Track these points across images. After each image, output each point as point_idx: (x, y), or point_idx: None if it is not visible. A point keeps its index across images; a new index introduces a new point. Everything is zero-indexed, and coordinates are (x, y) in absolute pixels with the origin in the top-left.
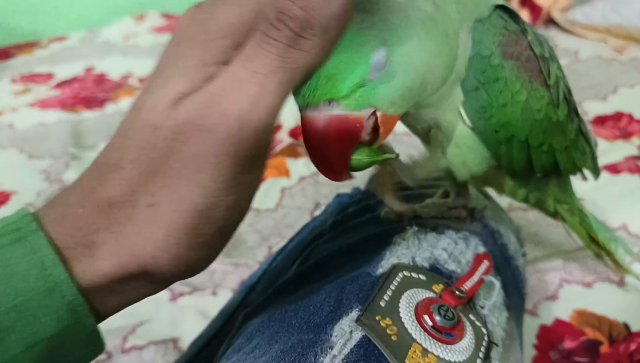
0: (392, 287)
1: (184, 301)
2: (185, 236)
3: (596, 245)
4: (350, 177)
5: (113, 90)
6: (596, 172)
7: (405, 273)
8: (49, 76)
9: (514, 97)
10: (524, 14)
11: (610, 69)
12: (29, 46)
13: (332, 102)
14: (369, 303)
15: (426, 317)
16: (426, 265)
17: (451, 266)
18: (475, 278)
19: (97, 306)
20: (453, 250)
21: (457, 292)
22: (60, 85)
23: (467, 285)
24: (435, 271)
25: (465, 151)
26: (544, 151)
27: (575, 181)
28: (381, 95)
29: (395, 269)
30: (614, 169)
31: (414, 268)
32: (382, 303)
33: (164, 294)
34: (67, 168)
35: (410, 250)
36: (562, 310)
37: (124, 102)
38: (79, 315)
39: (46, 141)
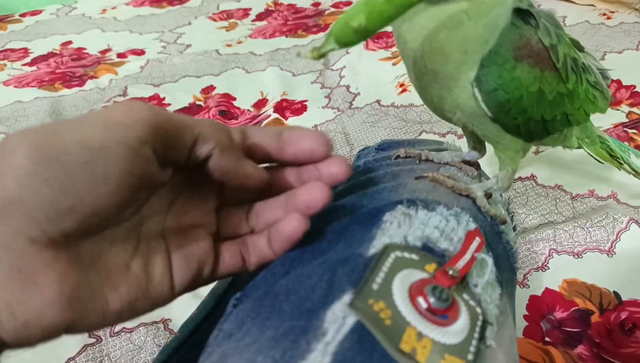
0: (385, 269)
1: None
2: None
3: (616, 160)
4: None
5: (92, 66)
6: (607, 106)
7: (398, 253)
8: (24, 52)
9: (528, 89)
10: None
11: (599, 34)
12: (0, 20)
13: None
14: (362, 287)
15: (420, 299)
16: (418, 244)
17: (443, 244)
18: (467, 256)
19: None
20: (445, 227)
21: (450, 272)
22: (36, 61)
23: (460, 263)
24: (427, 251)
25: (487, 130)
26: (558, 120)
27: (563, 153)
28: None
29: (387, 249)
30: None
31: (406, 247)
32: (375, 286)
33: None
34: None
35: (402, 229)
36: (552, 280)
37: (104, 79)
38: None
39: (23, 120)
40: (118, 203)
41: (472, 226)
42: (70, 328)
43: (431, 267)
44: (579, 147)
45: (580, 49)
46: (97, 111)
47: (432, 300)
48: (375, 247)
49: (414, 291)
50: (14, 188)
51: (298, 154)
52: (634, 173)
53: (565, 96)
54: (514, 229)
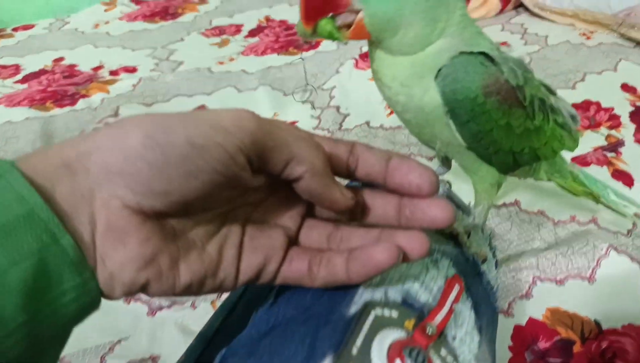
0: (365, 330)
1: (163, 315)
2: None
3: (592, 195)
4: (310, 35)
5: (84, 83)
6: (575, 146)
7: (378, 311)
8: (15, 68)
9: (498, 123)
10: (495, 1)
11: (579, 54)
12: None
13: None
14: (342, 351)
15: (398, 362)
16: (399, 298)
17: (422, 297)
18: (446, 308)
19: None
20: (425, 277)
21: (428, 329)
22: (28, 78)
23: (438, 318)
24: (407, 305)
25: (465, 160)
26: (525, 152)
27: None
28: (372, 5)
29: (367, 307)
30: (583, 161)
31: (387, 303)
32: (355, 350)
33: (142, 308)
34: None
35: (383, 281)
36: (535, 308)
37: (96, 98)
38: (55, 234)
39: (14, 141)
40: (204, 196)
41: (452, 272)
42: (145, 288)
43: (410, 323)
44: (549, 180)
45: (552, 92)
46: (207, 111)
47: (408, 362)
48: (356, 304)
49: (393, 352)
50: (121, 162)
51: (404, 185)
52: (611, 209)
53: (532, 132)
54: (496, 265)
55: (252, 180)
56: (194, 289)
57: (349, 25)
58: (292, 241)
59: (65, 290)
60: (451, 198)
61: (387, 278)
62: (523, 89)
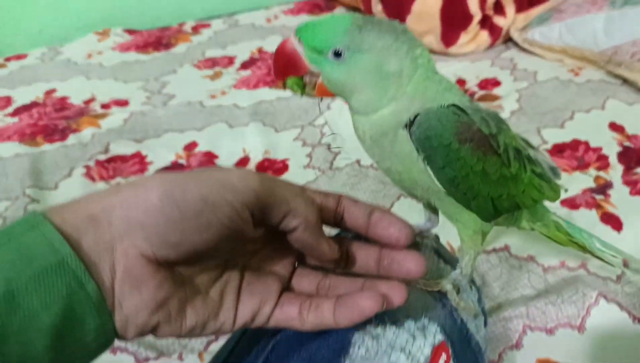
0: None
1: None
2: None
3: (577, 245)
4: (284, 88)
5: (74, 118)
6: (556, 197)
7: None
8: (6, 100)
9: (473, 168)
10: (484, 36)
11: (568, 91)
12: None
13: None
14: None
15: None
16: None
17: None
18: None
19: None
20: (411, 347)
21: None
22: (19, 111)
23: None
24: None
25: (445, 206)
26: (504, 199)
27: None
28: (326, 71)
29: None
30: (572, 204)
31: None
32: None
33: (129, 359)
34: (24, 213)
35: (369, 354)
36: (526, 359)
37: (87, 132)
38: (82, 281)
39: (3, 179)
40: (212, 247)
41: (439, 338)
42: (155, 329)
43: None
44: (533, 229)
45: (531, 146)
46: (218, 169)
47: None
48: None
49: None
50: (141, 215)
51: (383, 237)
52: (598, 259)
53: (509, 179)
54: (485, 322)
55: (253, 231)
56: (198, 331)
57: (314, 84)
58: (285, 287)
59: (87, 331)
60: (439, 251)
61: (372, 349)
62: (496, 137)
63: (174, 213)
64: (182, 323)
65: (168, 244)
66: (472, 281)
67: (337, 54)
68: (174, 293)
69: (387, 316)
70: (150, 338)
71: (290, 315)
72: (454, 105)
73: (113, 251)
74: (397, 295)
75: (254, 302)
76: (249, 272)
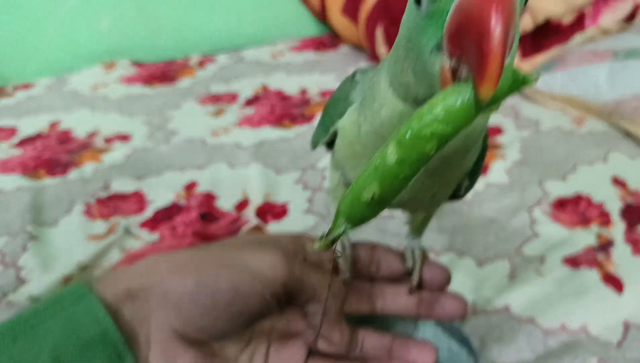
0: None
1: None
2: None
3: None
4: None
5: (77, 151)
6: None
7: None
8: (12, 131)
9: None
10: None
11: (570, 142)
12: None
13: None
14: None
15: None
16: None
17: None
18: None
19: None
20: None
21: None
22: (23, 143)
23: None
24: None
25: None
26: None
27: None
28: None
29: None
30: (574, 262)
31: None
32: None
33: None
34: (23, 251)
35: None
36: None
37: (88, 168)
38: (122, 353)
39: (3, 213)
40: (240, 327)
41: None
42: None
43: None
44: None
45: None
46: (249, 253)
47: None
48: None
49: None
50: (178, 298)
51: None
52: None
53: None
54: None
55: (277, 310)
56: None
57: None
58: (311, 350)
59: None
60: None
61: None
62: None
63: (207, 301)
64: None
65: (200, 327)
66: (467, 343)
67: None
68: None
69: None
70: None
71: None
72: None
73: (149, 327)
74: None
75: None
76: (276, 336)
